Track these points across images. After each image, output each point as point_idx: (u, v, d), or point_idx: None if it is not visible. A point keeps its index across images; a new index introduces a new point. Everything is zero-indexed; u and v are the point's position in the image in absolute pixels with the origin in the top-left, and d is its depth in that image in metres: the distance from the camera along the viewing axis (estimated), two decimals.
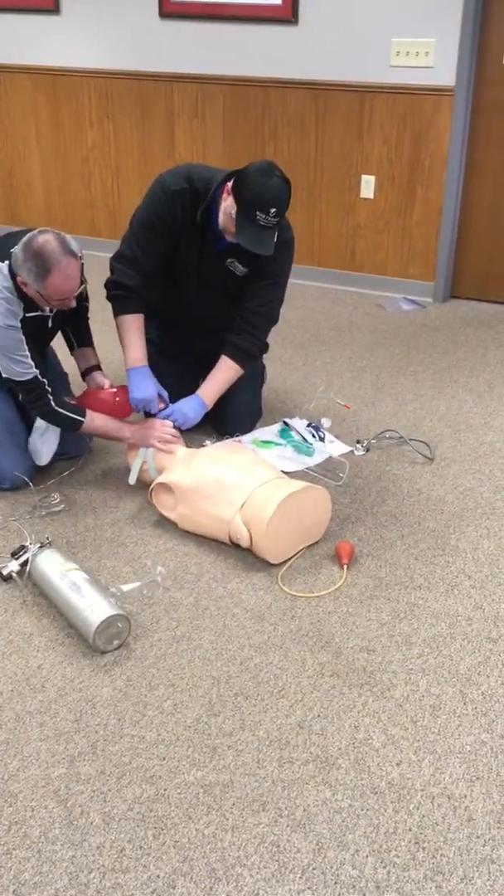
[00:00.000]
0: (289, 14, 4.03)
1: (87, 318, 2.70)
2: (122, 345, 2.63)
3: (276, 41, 4.13)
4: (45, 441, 2.57)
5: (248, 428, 2.93)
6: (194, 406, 2.64)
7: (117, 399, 2.60)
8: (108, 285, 2.63)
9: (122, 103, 4.55)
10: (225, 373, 2.69)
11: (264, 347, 2.78)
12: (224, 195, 2.45)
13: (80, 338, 2.71)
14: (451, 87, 3.89)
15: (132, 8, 4.33)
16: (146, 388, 2.59)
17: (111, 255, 2.67)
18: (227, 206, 2.43)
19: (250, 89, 4.25)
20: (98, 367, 2.71)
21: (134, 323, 2.62)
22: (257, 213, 2.34)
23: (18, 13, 4.58)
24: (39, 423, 2.54)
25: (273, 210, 2.34)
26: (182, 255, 2.63)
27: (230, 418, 2.85)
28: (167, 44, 4.34)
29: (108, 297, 2.64)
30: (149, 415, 2.71)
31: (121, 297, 2.61)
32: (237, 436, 2.83)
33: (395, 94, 4.00)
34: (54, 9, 4.48)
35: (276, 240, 2.46)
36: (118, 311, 2.63)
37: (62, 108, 4.71)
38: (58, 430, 2.56)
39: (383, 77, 4.00)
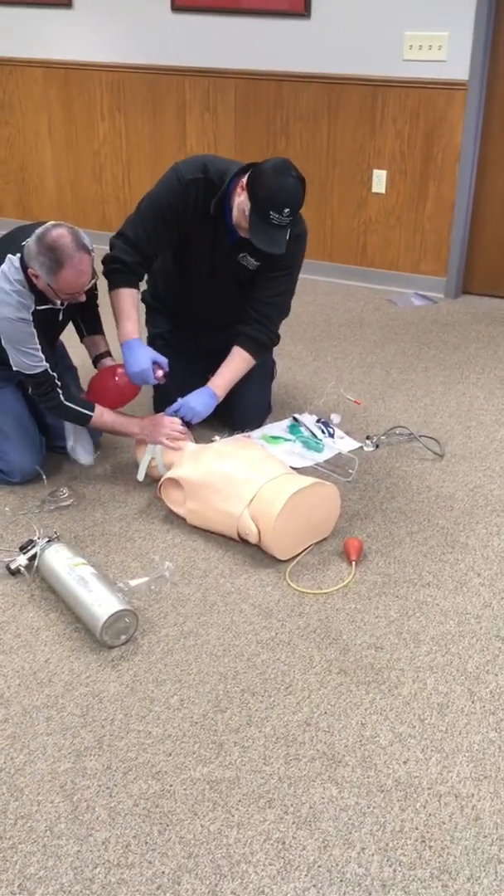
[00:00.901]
0: (301, 7, 4.01)
1: (97, 307, 2.69)
2: (115, 318, 2.58)
3: (289, 35, 4.11)
4: (80, 442, 2.61)
5: (258, 423, 2.92)
6: (203, 399, 2.62)
7: (116, 378, 2.57)
8: (106, 261, 2.60)
9: (134, 97, 4.55)
10: (237, 363, 2.67)
11: (276, 339, 2.77)
12: (238, 190, 2.44)
13: (90, 326, 2.70)
14: (464, 81, 3.86)
15: (144, 2, 4.32)
16: (140, 360, 2.52)
17: None
18: (242, 202, 2.41)
19: (262, 83, 4.23)
20: (108, 354, 2.70)
21: (128, 296, 2.57)
22: (271, 212, 2.33)
23: (31, 7, 4.57)
24: (67, 426, 2.58)
25: (287, 210, 2.33)
26: (193, 247, 2.62)
27: (240, 414, 2.84)
28: (179, 37, 4.32)
29: (105, 273, 2.60)
30: (158, 408, 2.70)
31: (117, 271, 2.57)
32: (246, 431, 2.83)
33: (408, 87, 3.97)
34: (66, 3, 4.47)
35: (288, 237, 2.45)
36: (113, 285, 2.58)
37: (74, 101, 4.70)
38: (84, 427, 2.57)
39: (396, 71, 3.97)
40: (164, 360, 2.56)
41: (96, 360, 2.70)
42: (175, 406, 2.60)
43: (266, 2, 4.07)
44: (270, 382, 3.02)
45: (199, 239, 2.60)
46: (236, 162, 2.55)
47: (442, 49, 3.85)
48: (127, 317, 2.56)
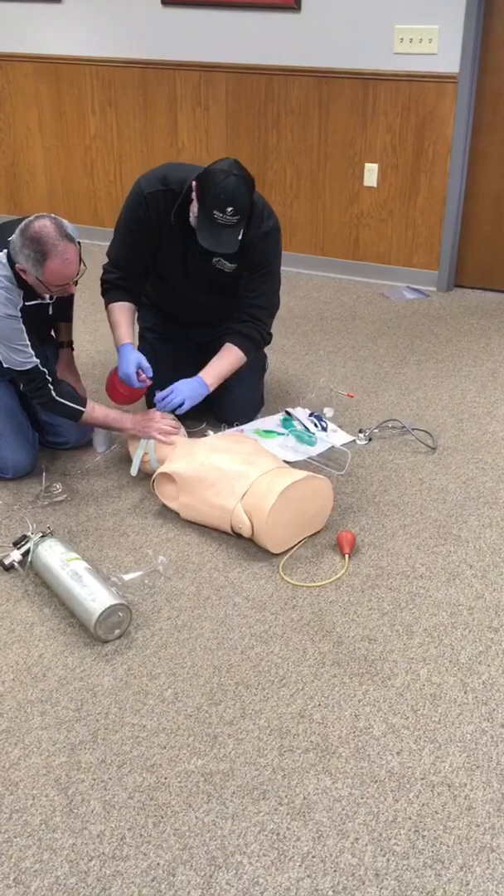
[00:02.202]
0: (292, 1, 4.00)
1: (73, 298, 2.68)
2: (111, 328, 2.70)
3: (279, 28, 4.10)
4: (96, 432, 2.68)
5: (250, 417, 2.92)
6: (193, 386, 2.62)
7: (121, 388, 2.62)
8: (101, 284, 2.73)
9: (125, 92, 4.53)
10: (228, 358, 2.68)
11: (268, 337, 2.78)
12: (194, 195, 2.45)
13: (61, 314, 2.71)
14: (455, 75, 3.86)
15: None
16: (126, 364, 2.59)
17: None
18: (193, 206, 2.45)
19: (253, 77, 4.22)
20: (69, 345, 2.77)
21: (119, 307, 2.68)
22: (215, 211, 2.34)
23: (20, 2, 4.55)
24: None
25: (230, 209, 2.33)
26: (167, 255, 2.65)
27: (231, 407, 2.85)
28: (169, 32, 4.31)
29: (102, 294, 2.73)
30: (150, 404, 2.71)
31: (107, 291, 2.72)
32: (238, 425, 2.83)
33: (399, 81, 3.97)
34: None
35: (250, 234, 2.47)
36: (108, 301, 2.71)
37: (64, 96, 4.69)
38: None
39: (387, 64, 3.97)
40: (147, 366, 2.61)
41: (59, 346, 2.76)
42: (166, 392, 2.60)
43: None
44: (262, 376, 3.03)
45: (171, 248, 2.63)
46: (198, 167, 2.55)
47: (433, 42, 3.85)
48: (117, 325, 2.66)
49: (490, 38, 3.83)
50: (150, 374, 2.61)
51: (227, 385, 2.72)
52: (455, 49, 3.82)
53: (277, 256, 2.70)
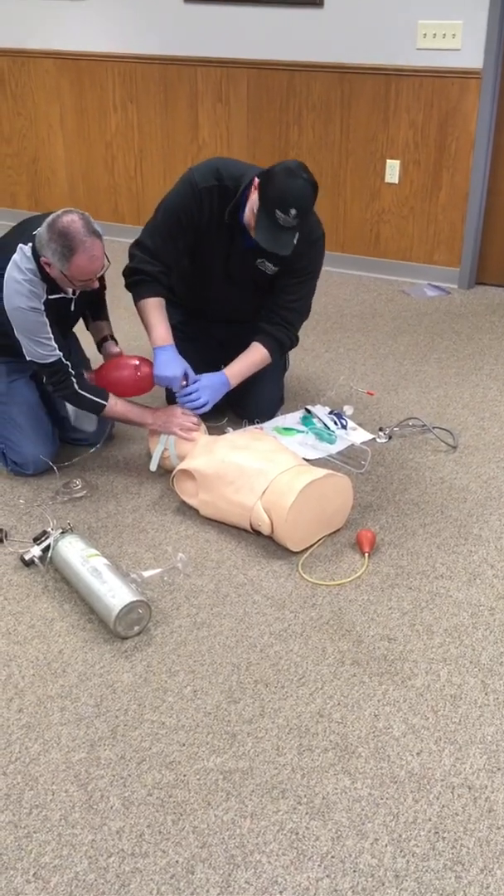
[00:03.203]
0: None
1: (104, 297, 2.69)
2: (146, 326, 2.61)
3: (302, 24, 4.08)
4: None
5: (270, 415, 2.92)
6: (216, 386, 2.62)
7: (139, 374, 2.58)
8: (127, 272, 2.61)
9: (146, 88, 4.53)
10: (253, 357, 2.68)
11: (295, 340, 2.78)
12: (252, 189, 2.42)
13: (95, 312, 2.70)
14: (478, 70, 3.83)
15: None
16: (173, 366, 2.55)
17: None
18: (253, 201, 2.41)
19: (275, 73, 4.21)
20: (112, 338, 2.71)
21: (156, 304, 2.59)
22: (277, 211, 2.32)
23: None
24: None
25: (293, 211, 2.32)
26: (209, 251, 2.62)
27: (252, 405, 2.85)
28: (191, 27, 4.30)
29: (128, 285, 2.62)
30: (170, 399, 2.71)
31: (141, 282, 2.59)
32: (258, 423, 2.83)
33: (422, 76, 3.94)
34: None
35: (298, 240, 2.43)
36: (140, 296, 2.60)
37: (86, 93, 4.69)
38: None
39: (410, 60, 3.94)
40: (193, 373, 2.58)
41: (100, 343, 2.70)
42: (190, 389, 2.58)
43: None
44: (283, 374, 3.02)
45: (216, 244, 2.59)
46: (252, 166, 2.54)
47: (456, 37, 3.81)
48: (159, 323, 2.57)
49: None
50: (192, 380, 2.59)
51: (249, 382, 2.72)
52: (479, 44, 3.79)
53: (320, 265, 2.70)
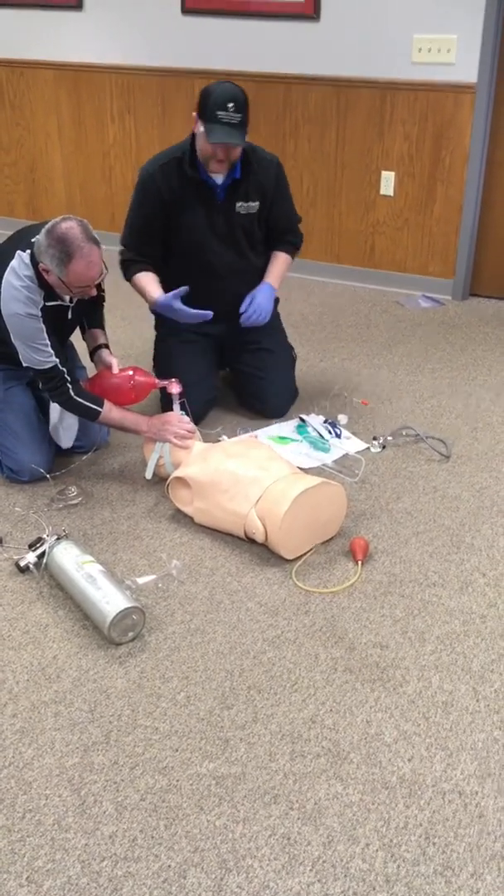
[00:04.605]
0: (311, 10, 4.03)
1: (102, 306, 2.72)
2: (142, 294, 2.79)
3: (298, 37, 4.12)
4: (65, 427, 2.60)
5: (287, 405, 3.05)
6: (268, 295, 2.87)
7: (132, 382, 2.59)
8: (122, 265, 2.84)
9: (144, 99, 4.57)
10: (281, 262, 2.97)
11: (302, 238, 3.06)
12: (194, 128, 2.63)
13: (92, 321, 2.72)
14: (472, 84, 3.87)
15: (154, 4, 4.34)
16: (168, 297, 2.69)
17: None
18: (198, 132, 2.61)
19: (272, 85, 4.25)
20: (106, 346, 2.71)
21: (144, 275, 2.78)
22: (218, 112, 2.52)
23: (41, 9, 4.60)
24: (54, 407, 2.56)
25: (231, 105, 2.52)
26: (192, 224, 2.78)
27: (270, 395, 2.98)
28: (189, 40, 4.34)
29: (124, 273, 2.82)
30: (166, 407, 2.73)
31: (129, 266, 2.81)
32: (250, 431, 2.85)
33: (417, 90, 3.99)
34: (76, 5, 4.50)
35: (260, 167, 2.75)
36: (133, 273, 2.79)
37: (84, 103, 4.73)
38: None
39: (405, 73, 3.98)
40: (184, 288, 2.68)
41: (94, 351, 2.70)
42: (250, 310, 2.82)
43: (276, 5, 4.08)
44: (294, 367, 3.14)
45: (193, 208, 2.77)
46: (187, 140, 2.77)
47: (451, 52, 3.86)
48: (147, 285, 2.76)
49: None
50: (249, 300, 2.81)
51: (265, 377, 2.93)
52: (473, 59, 3.83)
53: (287, 182, 2.95)
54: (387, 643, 2.00)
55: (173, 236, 2.80)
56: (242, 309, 2.84)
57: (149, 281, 2.77)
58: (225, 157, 2.64)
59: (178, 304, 2.66)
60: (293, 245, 3.03)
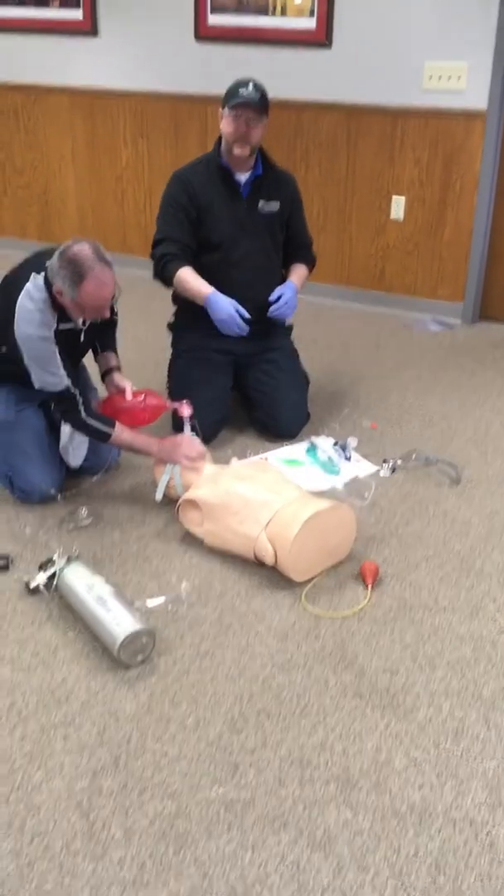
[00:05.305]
0: (323, 37, 4.08)
1: (115, 329, 2.74)
2: (188, 291, 2.86)
3: (310, 64, 4.17)
4: (75, 446, 2.62)
5: (299, 426, 3.07)
6: (292, 288, 2.97)
7: (143, 405, 2.61)
8: (154, 265, 2.90)
9: (157, 123, 4.62)
10: (301, 270, 3.09)
11: (314, 258, 3.19)
12: (221, 110, 2.80)
13: (105, 344, 2.73)
14: (483, 111, 3.91)
15: (168, 31, 4.40)
16: (225, 306, 2.81)
17: (142, 272, 2.75)
18: (222, 124, 2.80)
19: (284, 111, 4.29)
20: (118, 369, 2.73)
21: (187, 271, 2.85)
22: (239, 89, 2.74)
23: (59, 35, 4.67)
24: (66, 427, 2.57)
25: (250, 84, 2.75)
26: (219, 220, 2.89)
27: (283, 415, 3.01)
28: (202, 66, 4.40)
29: (159, 270, 2.88)
30: (177, 429, 2.74)
31: (168, 261, 2.85)
32: (260, 454, 2.86)
33: (427, 116, 4.02)
34: (92, 31, 4.57)
35: (281, 181, 2.96)
36: (171, 272, 2.84)
37: (98, 128, 4.79)
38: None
39: (416, 100, 4.02)
40: (243, 311, 2.82)
41: (105, 374, 2.72)
42: (280, 304, 2.91)
43: (289, 33, 4.14)
44: (307, 390, 3.17)
45: (219, 205, 2.89)
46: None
47: (461, 79, 3.90)
48: (196, 280, 2.84)
49: None
50: (248, 317, 2.84)
51: (277, 398, 3.00)
52: (484, 86, 3.87)
53: (301, 197, 3.11)
54: (397, 668, 1.99)
55: (201, 230, 2.89)
56: (272, 299, 2.92)
57: (195, 276, 2.85)
58: (247, 133, 2.77)
59: (234, 309, 2.80)
60: (309, 260, 3.14)
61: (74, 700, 1.89)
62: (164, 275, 2.87)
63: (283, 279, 3.04)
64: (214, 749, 1.77)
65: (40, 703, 1.88)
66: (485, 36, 3.79)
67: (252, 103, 2.74)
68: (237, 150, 2.80)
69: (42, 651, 2.04)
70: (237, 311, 2.81)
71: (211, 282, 2.85)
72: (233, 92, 2.76)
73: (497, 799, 1.66)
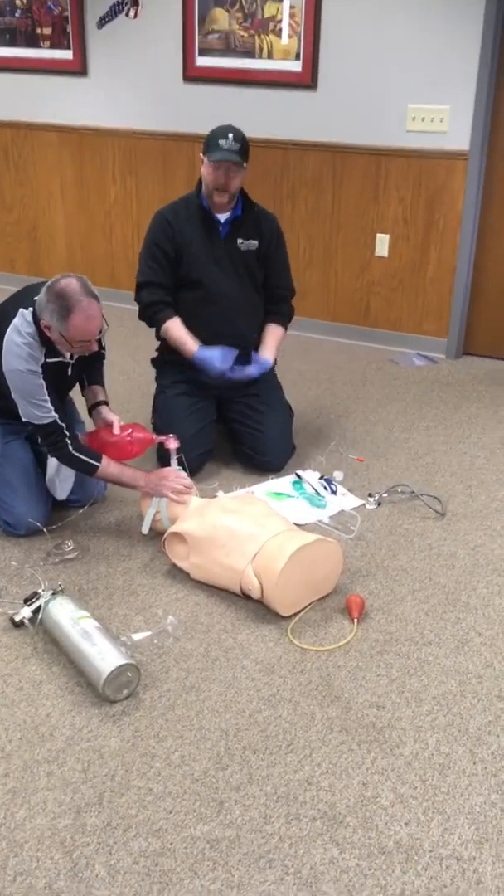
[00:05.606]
0: (308, 80, 4.17)
1: (103, 363, 2.75)
2: (178, 344, 2.96)
3: (296, 105, 4.26)
4: (62, 479, 2.62)
5: (285, 459, 3.08)
6: (262, 366, 3.02)
7: (130, 438, 2.62)
8: (141, 309, 3.00)
9: (145, 161, 4.69)
10: (275, 334, 3.13)
11: (293, 311, 3.22)
12: (201, 155, 2.87)
13: (92, 377, 2.74)
14: (465, 152, 3.99)
15: (157, 71, 4.49)
16: (218, 357, 2.90)
17: (129, 306, 2.79)
18: (202, 167, 2.86)
19: (270, 150, 4.37)
20: (105, 403, 2.73)
21: (176, 323, 2.96)
22: (219, 140, 2.79)
23: (50, 74, 4.75)
24: (52, 460, 2.57)
25: (230, 135, 2.80)
26: (197, 259, 2.95)
27: (268, 449, 3.02)
28: (190, 106, 4.48)
29: (146, 318, 3.00)
30: (163, 462, 2.75)
31: (155, 310, 2.96)
32: (246, 487, 2.87)
33: (410, 157, 4.11)
34: (82, 71, 4.65)
35: (262, 218, 3.00)
36: (160, 322, 2.96)
37: (87, 164, 4.85)
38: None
39: (399, 141, 4.11)
40: (234, 351, 2.92)
41: (92, 408, 2.72)
42: (250, 369, 2.98)
43: (275, 74, 4.23)
44: (291, 423, 3.19)
45: (199, 243, 2.95)
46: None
47: (444, 121, 3.99)
48: (186, 335, 2.95)
49: (499, 117, 3.97)
50: (235, 354, 2.93)
51: (261, 430, 3.02)
52: (466, 128, 3.96)
53: (283, 237, 3.13)
54: (383, 703, 1.99)
55: (181, 268, 2.95)
56: (246, 371, 2.99)
57: (183, 332, 2.95)
58: (227, 183, 2.84)
59: (221, 361, 2.90)
60: (284, 316, 3.17)
61: (59, 735, 1.87)
62: (152, 324, 3.00)
63: (265, 315, 3.12)
64: (199, 786, 1.75)
65: (24, 738, 1.86)
66: (466, 79, 3.89)
67: (232, 158, 2.80)
68: (217, 198, 2.90)
69: (26, 686, 2.02)
70: (227, 351, 2.91)
71: (191, 317, 2.95)
72: (213, 144, 2.82)
73: (483, 835, 1.66)
